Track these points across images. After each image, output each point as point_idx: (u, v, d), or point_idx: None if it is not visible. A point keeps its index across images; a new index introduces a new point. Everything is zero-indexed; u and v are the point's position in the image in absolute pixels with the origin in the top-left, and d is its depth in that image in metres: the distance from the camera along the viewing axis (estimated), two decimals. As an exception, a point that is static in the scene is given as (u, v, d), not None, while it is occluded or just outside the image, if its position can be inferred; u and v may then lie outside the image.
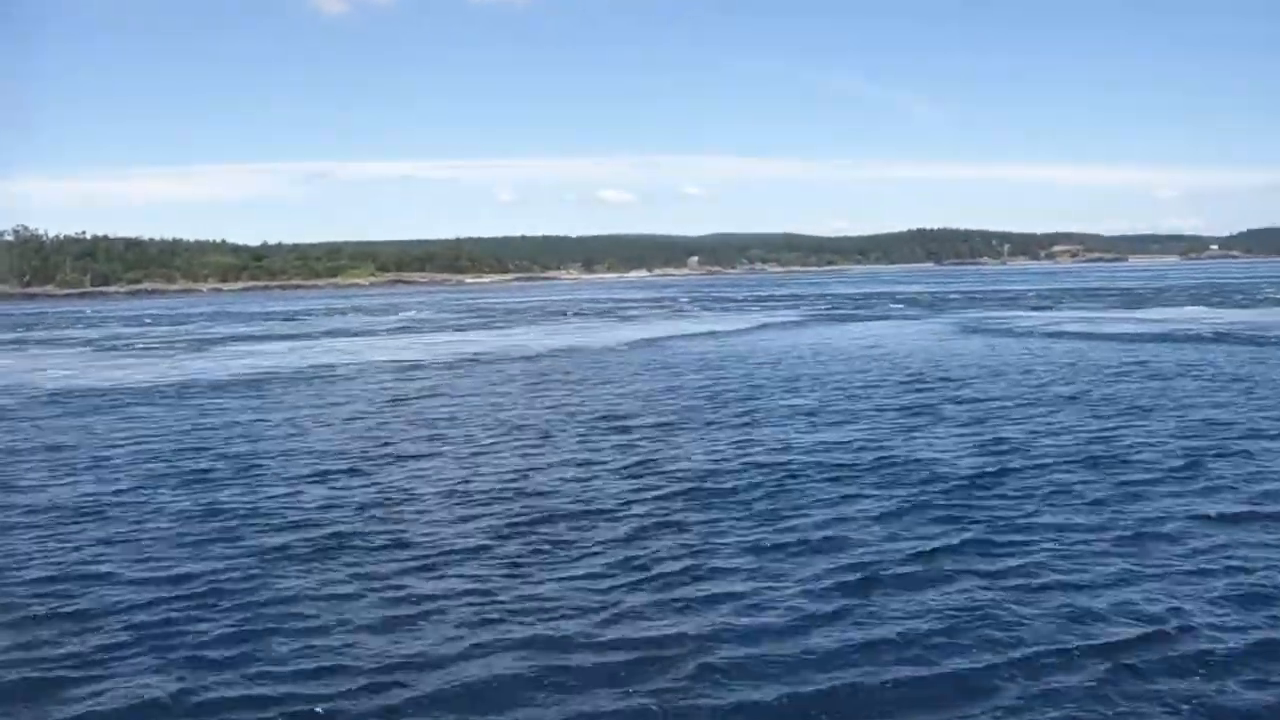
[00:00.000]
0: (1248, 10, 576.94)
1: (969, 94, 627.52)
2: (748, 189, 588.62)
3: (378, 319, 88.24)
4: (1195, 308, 70.52)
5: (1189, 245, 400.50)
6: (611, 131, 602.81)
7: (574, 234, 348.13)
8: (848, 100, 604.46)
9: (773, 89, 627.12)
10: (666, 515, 15.16)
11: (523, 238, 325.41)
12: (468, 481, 17.93)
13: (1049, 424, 22.53)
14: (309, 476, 18.64)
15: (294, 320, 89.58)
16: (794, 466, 18.42)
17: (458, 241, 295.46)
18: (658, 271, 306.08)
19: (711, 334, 57.46)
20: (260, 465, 19.94)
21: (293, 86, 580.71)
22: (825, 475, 17.64)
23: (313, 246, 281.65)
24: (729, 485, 17.09)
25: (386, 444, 22.22)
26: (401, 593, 11.89)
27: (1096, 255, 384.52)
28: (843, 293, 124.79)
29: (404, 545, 13.80)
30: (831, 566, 12.48)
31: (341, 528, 14.78)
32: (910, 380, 31.52)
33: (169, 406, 30.02)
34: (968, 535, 13.68)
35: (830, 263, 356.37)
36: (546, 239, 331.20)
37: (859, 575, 12.10)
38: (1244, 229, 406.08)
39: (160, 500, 17.00)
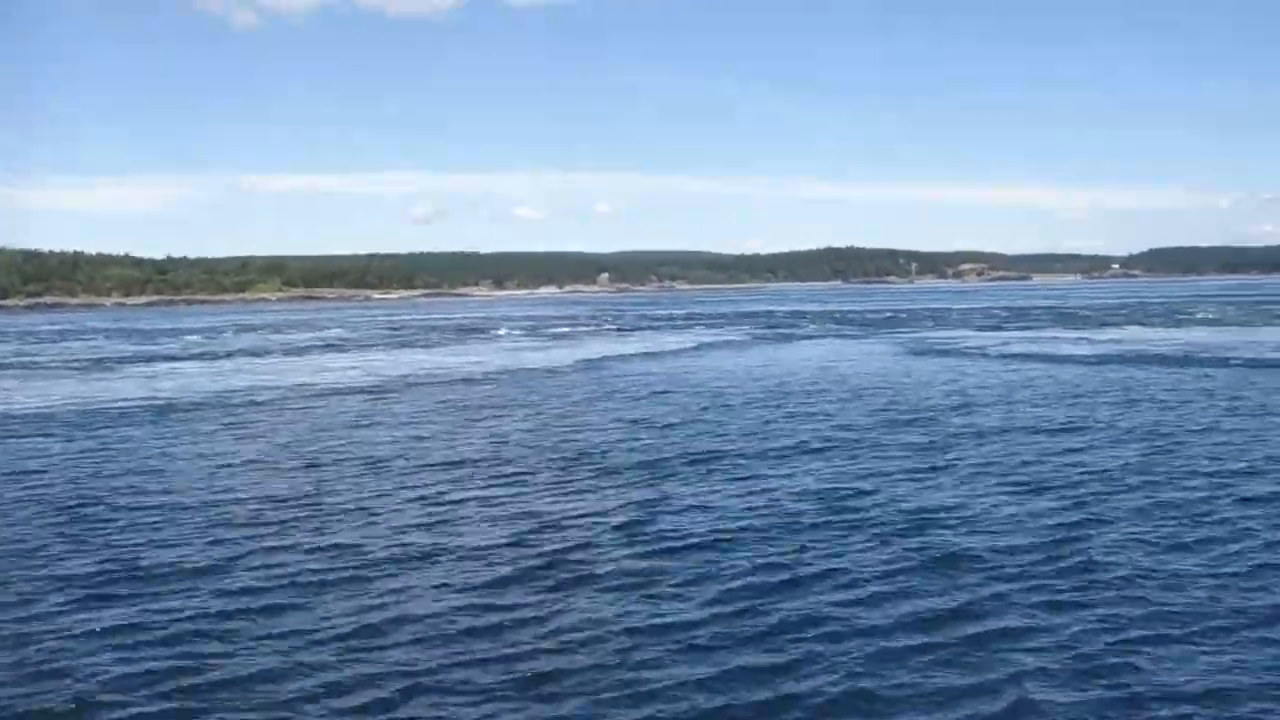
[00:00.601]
0: (1149, 33, 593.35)
1: (880, 114, 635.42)
2: (658, 206, 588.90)
3: (295, 336, 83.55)
4: (1137, 327, 69.51)
5: (1091, 264, 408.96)
6: (526, 148, 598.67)
7: (484, 250, 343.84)
8: (760, 118, 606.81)
9: (685, 106, 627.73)
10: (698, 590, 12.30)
11: (433, 254, 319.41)
12: (415, 535, 15.01)
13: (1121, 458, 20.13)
14: (222, 522, 15.76)
15: (204, 337, 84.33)
16: (829, 518, 15.64)
17: (368, 257, 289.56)
18: (568, 288, 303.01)
19: (653, 354, 54.43)
20: (163, 509, 16.92)
21: (201, 98, 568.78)
22: (891, 526, 14.77)
23: (219, 261, 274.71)
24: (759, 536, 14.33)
25: (319, 488, 18.90)
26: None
27: (1001, 274, 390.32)
28: (764, 310, 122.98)
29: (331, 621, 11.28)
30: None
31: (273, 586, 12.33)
32: (904, 412, 28.66)
33: (66, 437, 26.21)
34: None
35: (739, 281, 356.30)
36: (457, 255, 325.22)
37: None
38: (1144, 249, 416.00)
39: (45, 554, 14.15)
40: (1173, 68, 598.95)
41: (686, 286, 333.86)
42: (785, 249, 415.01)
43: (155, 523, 15.99)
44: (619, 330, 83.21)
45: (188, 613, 11.61)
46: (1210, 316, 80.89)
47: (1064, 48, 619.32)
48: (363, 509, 16.91)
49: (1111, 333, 64.61)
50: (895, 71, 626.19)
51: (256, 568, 13.36)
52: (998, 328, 74.31)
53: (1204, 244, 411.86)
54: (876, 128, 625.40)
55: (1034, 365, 42.07)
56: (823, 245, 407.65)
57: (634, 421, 27.31)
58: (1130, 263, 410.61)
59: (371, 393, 36.51)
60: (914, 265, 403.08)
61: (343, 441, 24.67)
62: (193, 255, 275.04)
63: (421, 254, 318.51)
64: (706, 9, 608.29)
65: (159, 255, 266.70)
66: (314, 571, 13.16)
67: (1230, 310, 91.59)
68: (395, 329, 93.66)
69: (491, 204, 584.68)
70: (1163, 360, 42.64)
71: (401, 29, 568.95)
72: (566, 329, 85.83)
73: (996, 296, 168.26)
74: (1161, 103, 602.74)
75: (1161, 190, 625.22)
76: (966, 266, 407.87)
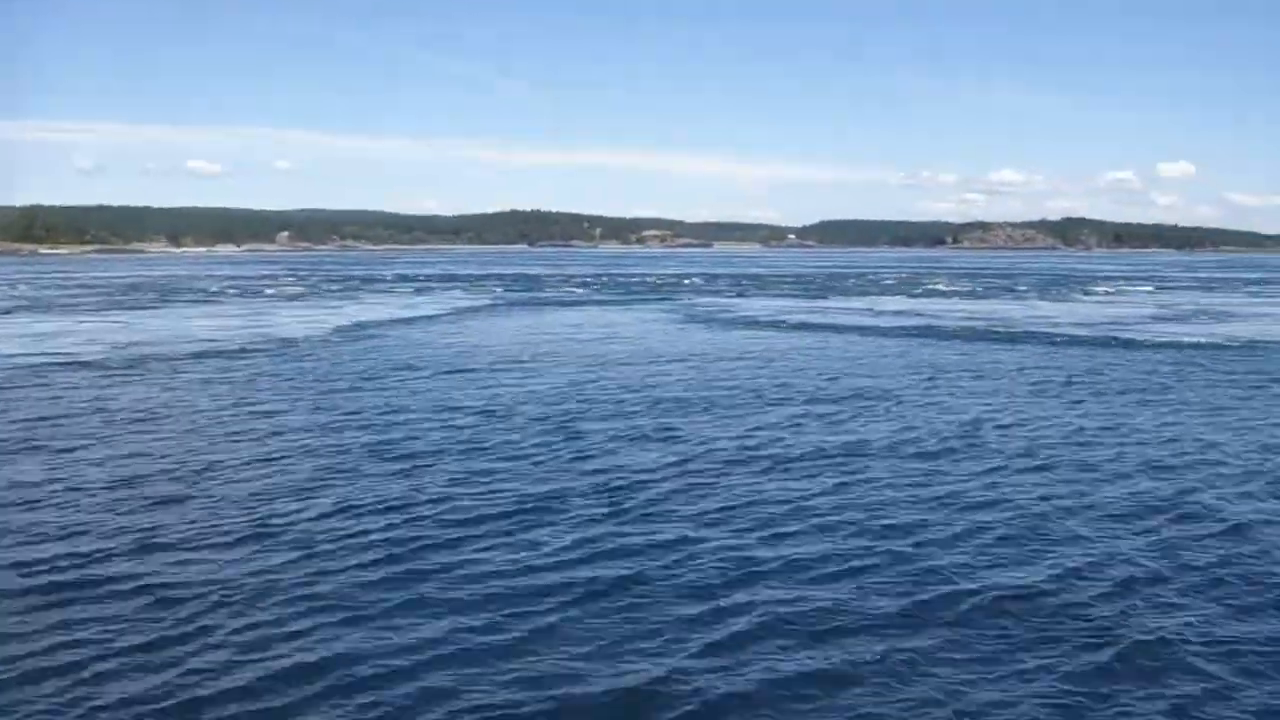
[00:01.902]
0: (830, 17, 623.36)
1: (563, 79, 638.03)
2: (338, 165, 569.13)
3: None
4: (897, 298, 71.37)
5: (770, 234, 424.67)
6: (199, 100, 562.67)
7: (157, 205, 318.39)
8: (442, 79, 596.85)
9: (368, 65, 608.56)
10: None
11: (102, 207, 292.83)
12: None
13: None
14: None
15: None
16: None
17: (31, 209, 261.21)
18: (246, 247, 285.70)
19: (418, 319, 50.40)
20: None
21: None
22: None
23: None
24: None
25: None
26: None
27: (685, 241, 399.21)
28: (484, 274, 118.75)
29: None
30: None
31: None
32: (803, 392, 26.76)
33: None
34: None
35: (424, 242, 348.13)
36: (127, 209, 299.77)
37: None
38: (816, 221, 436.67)
39: None
40: (844, 51, 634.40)
41: (370, 247, 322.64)
42: (466, 211, 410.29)
43: None
44: (347, 292, 77.44)
45: None
46: (950, 289, 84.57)
47: (747, 25, 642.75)
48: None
49: (890, 303, 65.68)
50: (580, 39, 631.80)
51: None
52: (754, 295, 74.20)
53: (872, 218, 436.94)
54: (559, 93, 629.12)
55: (863, 337, 41.47)
56: (507, 209, 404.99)
57: (444, 407, 24.11)
58: (804, 233, 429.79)
59: (115, 369, 31.12)
60: (599, 231, 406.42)
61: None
62: None
63: (88, 207, 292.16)
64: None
65: None
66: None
67: (963, 283, 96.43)
68: (93, 289, 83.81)
69: (162, 157, 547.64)
70: (983, 335, 42.88)
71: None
72: (297, 290, 78.94)
73: (711, 263, 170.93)
74: (833, 86, 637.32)
75: (831, 166, 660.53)
76: (650, 233, 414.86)
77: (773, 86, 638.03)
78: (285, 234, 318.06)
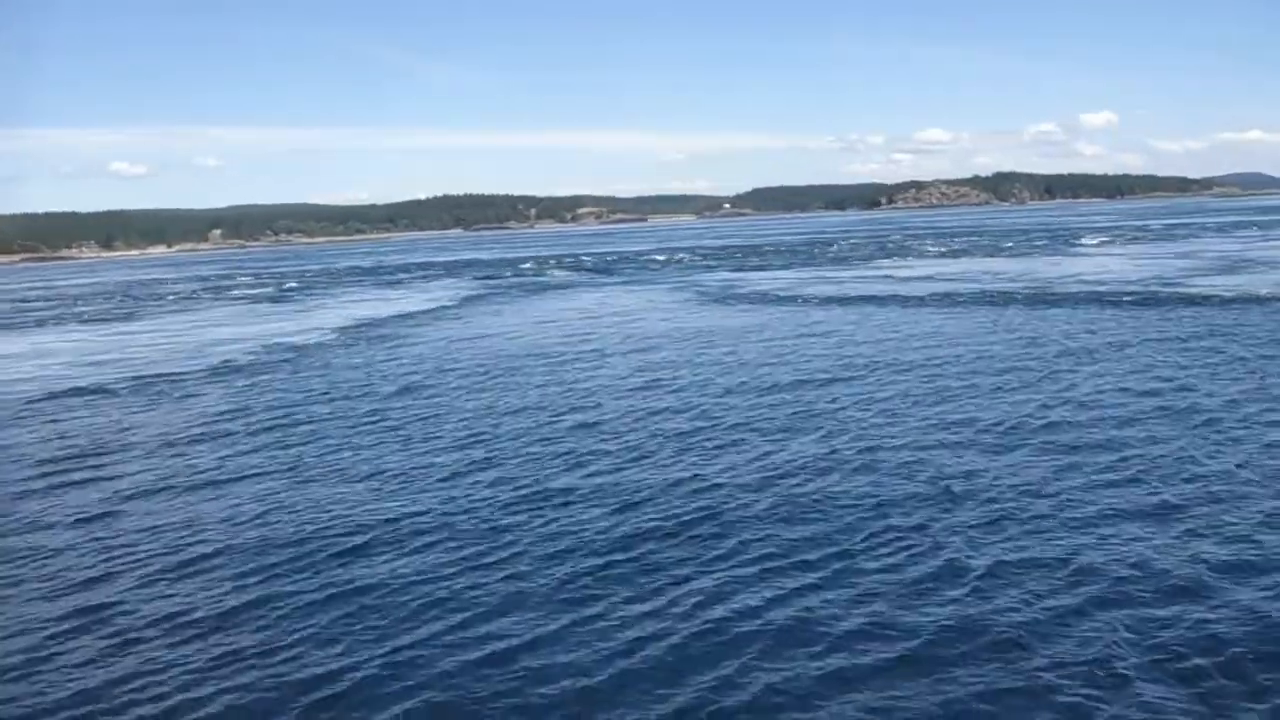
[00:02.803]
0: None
1: (487, 62, 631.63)
2: (266, 159, 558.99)
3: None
4: (900, 261, 69.26)
5: (704, 204, 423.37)
6: (118, 102, 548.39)
7: (83, 209, 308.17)
8: (370, 67, 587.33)
9: (292, 56, 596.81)
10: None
11: (25, 215, 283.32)
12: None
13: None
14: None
15: None
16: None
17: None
18: (179, 247, 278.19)
19: (420, 313, 46.71)
20: None
21: None
22: None
23: None
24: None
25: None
26: None
27: (620, 216, 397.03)
28: (450, 260, 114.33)
29: None
30: None
31: None
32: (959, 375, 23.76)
33: None
34: None
35: (359, 231, 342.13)
36: (53, 216, 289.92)
37: None
38: (749, 189, 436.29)
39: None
40: (766, 17, 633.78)
41: (305, 240, 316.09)
42: (397, 199, 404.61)
43: None
44: (320, 290, 73.09)
45: None
46: (942, 250, 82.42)
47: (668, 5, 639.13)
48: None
49: (899, 269, 63.13)
50: (502, 21, 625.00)
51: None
52: (752, 270, 71.05)
53: (803, 183, 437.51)
54: (483, 76, 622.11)
55: (906, 309, 38.55)
56: (439, 194, 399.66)
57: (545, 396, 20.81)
58: (739, 201, 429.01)
59: (132, 391, 27.37)
60: (533, 211, 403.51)
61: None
62: None
63: (14, 216, 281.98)
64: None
65: None
66: None
67: (950, 243, 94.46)
68: (51, 300, 78.83)
69: (79, 161, 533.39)
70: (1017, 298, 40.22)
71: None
72: (264, 290, 74.45)
73: (677, 237, 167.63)
74: (759, 52, 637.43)
75: (758, 134, 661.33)
76: (584, 210, 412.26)
77: (695, 57, 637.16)
78: (218, 232, 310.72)
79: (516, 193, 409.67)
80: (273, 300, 63.35)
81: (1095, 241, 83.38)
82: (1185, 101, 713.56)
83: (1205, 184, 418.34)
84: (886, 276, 55.16)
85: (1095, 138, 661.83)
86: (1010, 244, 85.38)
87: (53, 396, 26.72)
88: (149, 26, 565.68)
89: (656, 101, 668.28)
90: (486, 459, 17.05)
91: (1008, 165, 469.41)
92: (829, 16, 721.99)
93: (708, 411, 20.06)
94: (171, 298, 71.86)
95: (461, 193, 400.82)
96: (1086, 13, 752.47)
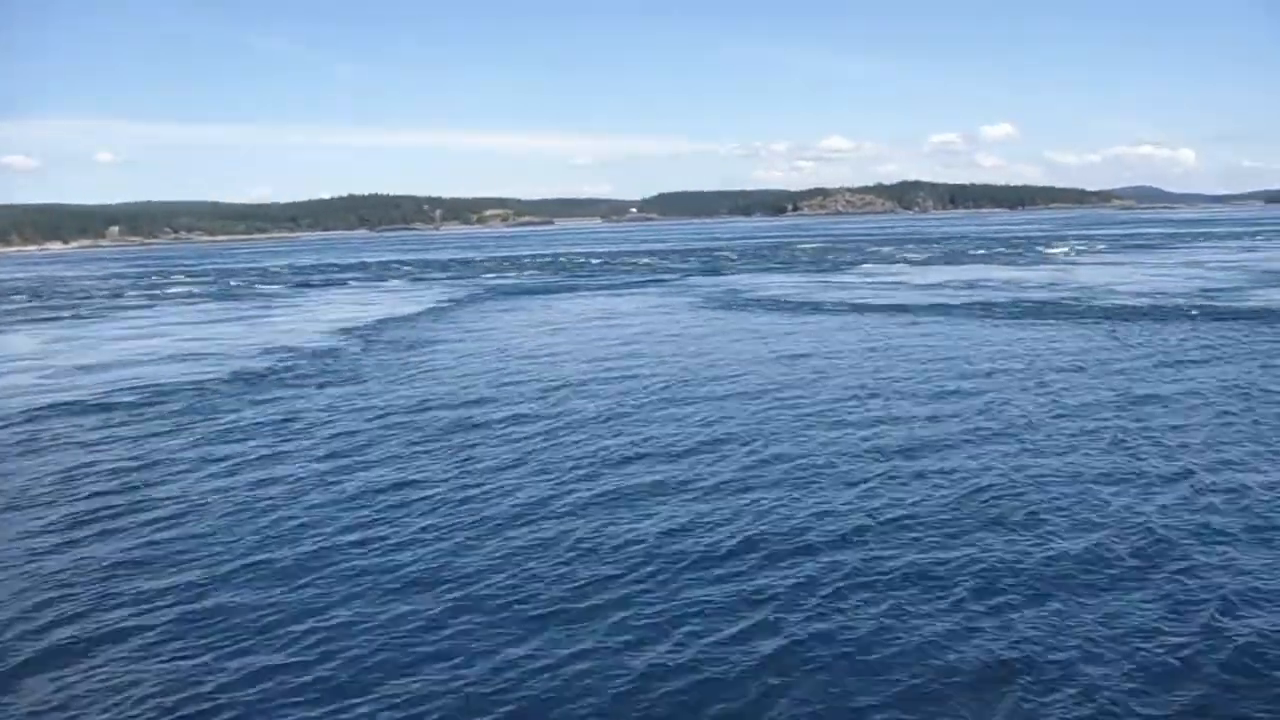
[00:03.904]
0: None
1: (395, 59, 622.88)
2: (164, 155, 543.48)
3: None
4: (889, 268, 67.48)
5: (610, 208, 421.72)
6: (6, 94, 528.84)
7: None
8: (273, 64, 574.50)
9: (189, 50, 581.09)
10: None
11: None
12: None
13: None
14: None
15: None
16: None
17: None
18: (76, 244, 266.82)
19: (414, 317, 43.36)
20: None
21: None
22: None
23: None
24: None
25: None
26: None
27: (526, 219, 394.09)
28: (397, 260, 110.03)
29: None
30: None
31: None
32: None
33: None
34: None
35: (261, 231, 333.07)
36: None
37: None
38: (655, 193, 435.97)
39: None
40: (669, 23, 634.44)
41: (206, 238, 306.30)
42: (300, 198, 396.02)
43: None
44: (272, 291, 68.82)
45: None
46: (919, 257, 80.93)
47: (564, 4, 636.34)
48: None
49: (888, 275, 61.38)
50: (408, 17, 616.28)
51: None
52: (731, 273, 68.78)
53: (708, 189, 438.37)
54: (391, 74, 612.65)
55: (943, 319, 36.54)
56: (343, 194, 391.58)
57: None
58: (645, 206, 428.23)
59: (145, 407, 23.93)
60: (439, 212, 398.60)
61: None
62: None
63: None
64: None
65: None
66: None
67: (924, 250, 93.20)
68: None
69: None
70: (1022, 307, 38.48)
71: None
72: (208, 289, 69.72)
73: (616, 240, 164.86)
74: (663, 59, 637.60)
75: (662, 139, 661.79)
76: (491, 213, 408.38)
77: (601, 61, 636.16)
78: (115, 229, 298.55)
79: (420, 194, 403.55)
80: (226, 300, 59.16)
81: (1062, 250, 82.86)
82: (1080, 115, 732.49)
83: (1103, 196, 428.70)
84: (870, 285, 53.33)
85: (994, 149, 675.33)
86: (984, 252, 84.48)
87: (68, 410, 23.17)
88: (36, 18, 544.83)
89: (566, 105, 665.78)
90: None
91: (909, 174, 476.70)
92: (734, 23, 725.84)
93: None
94: (103, 295, 67.03)
95: (365, 193, 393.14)
96: (986, 25, 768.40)
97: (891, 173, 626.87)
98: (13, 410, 22.89)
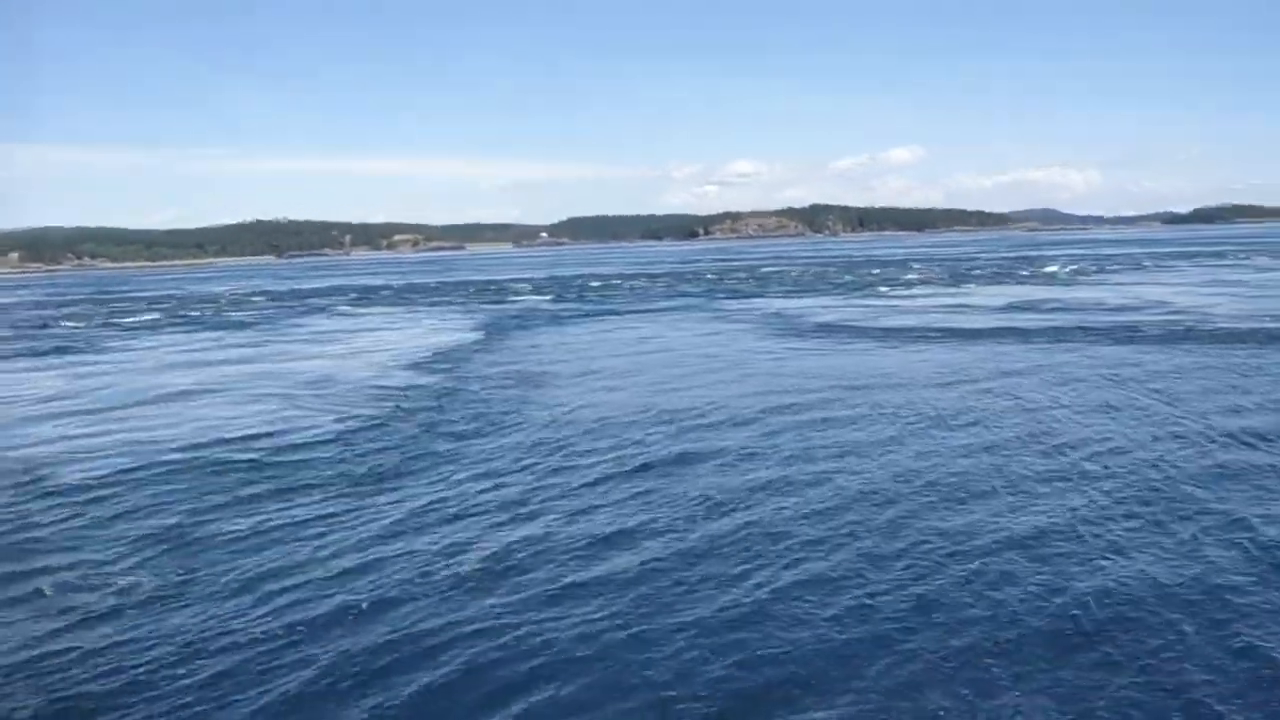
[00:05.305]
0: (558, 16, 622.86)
1: (299, 83, 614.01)
2: (63, 179, 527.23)
3: None
4: (926, 290, 66.13)
5: (521, 233, 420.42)
6: None
7: None
8: (177, 86, 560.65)
9: (86, 71, 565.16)
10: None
11: None
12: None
13: None
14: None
15: None
16: None
17: None
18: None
19: (471, 344, 40.58)
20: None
21: None
22: None
23: None
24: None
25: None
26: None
27: (436, 244, 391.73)
28: (326, 285, 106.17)
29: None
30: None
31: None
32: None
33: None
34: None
35: (166, 258, 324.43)
36: None
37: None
38: (565, 218, 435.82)
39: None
40: (577, 49, 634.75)
41: (111, 265, 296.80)
42: (205, 223, 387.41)
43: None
44: (258, 320, 65.08)
45: None
46: (916, 277, 79.98)
47: (482, 27, 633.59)
48: None
49: (929, 299, 60.02)
50: (316, 37, 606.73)
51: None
52: (749, 297, 66.82)
53: (617, 213, 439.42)
54: (295, 97, 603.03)
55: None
56: (250, 219, 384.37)
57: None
58: (555, 231, 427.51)
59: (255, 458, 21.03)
60: (348, 238, 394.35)
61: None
62: None
63: None
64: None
65: None
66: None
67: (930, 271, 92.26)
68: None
69: None
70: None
71: None
72: (169, 319, 65.55)
73: (574, 263, 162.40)
74: (569, 84, 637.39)
75: (568, 164, 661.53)
76: (400, 238, 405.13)
77: (508, 86, 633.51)
78: (15, 254, 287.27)
79: (329, 219, 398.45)
80: (218, 329, 55.51)
81: (1058, 267, 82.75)
82: (983, 139, 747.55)
83: (1003, 219, 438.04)
84: (910, 309, 51.89)
85: (899, 173, 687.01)
86: (979, 271, 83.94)
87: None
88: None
89: (473, 130, 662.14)
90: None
91: (815, 198, 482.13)
92: (639, 49, 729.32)
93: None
94: (70, 325, 62.73)
95: (270, 218, 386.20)
96: (884, 48, 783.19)
97: (798, 196, 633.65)
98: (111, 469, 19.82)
